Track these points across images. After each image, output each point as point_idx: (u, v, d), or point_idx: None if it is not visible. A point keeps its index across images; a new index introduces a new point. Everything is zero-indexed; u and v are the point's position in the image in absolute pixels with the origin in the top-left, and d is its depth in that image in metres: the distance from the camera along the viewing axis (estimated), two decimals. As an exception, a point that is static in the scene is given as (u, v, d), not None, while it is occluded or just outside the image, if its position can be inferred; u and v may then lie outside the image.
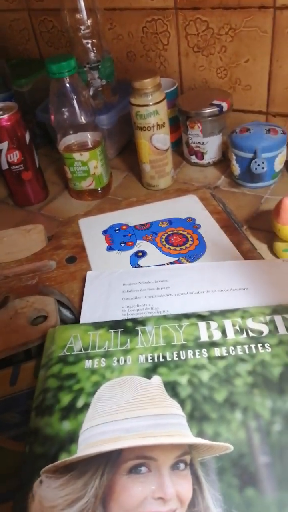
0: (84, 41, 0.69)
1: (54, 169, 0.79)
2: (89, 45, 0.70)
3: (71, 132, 0.66)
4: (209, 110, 0.67)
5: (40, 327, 0.46)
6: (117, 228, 0.57)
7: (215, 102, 0.67)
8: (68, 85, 0.60)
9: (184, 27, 0.72)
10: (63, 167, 0.68)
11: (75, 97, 0.61)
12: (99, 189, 0.69)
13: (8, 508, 0.32)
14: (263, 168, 0.61)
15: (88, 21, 0.67)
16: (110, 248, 0.54)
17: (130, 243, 0.55)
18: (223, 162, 0.73)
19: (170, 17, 0.72)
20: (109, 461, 0.30)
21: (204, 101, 0.68)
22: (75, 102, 0.61)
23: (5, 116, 0.61)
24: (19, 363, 0.44)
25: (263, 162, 0.61)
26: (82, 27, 0.68)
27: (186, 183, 0.70)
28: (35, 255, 0.54)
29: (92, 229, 0.58)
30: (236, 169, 0.65)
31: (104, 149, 0.67)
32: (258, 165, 0.61)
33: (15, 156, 0.65)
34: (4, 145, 0.63)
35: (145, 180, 0.70)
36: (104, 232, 0.57)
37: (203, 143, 0.70)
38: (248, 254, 0.51)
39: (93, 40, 0.69)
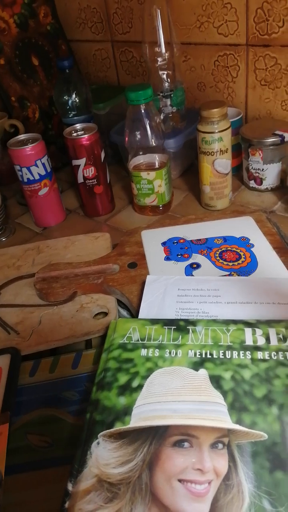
0: (160, 72, 0.76)
1: (121, 185, 0.86)
2: (164, 76, 0.77)
3: (140, 153, 0.72)
4: (271, 139, 0.71)
5: (102, 321, 0.52)
6: (175, 241, 0.63)
7: (277, 132, 0.72)
8: (143, 111, 0.67)
9: (253, 62, 0.78)
10: (129, 184, 0.75)
11: (148, 122, 0.68)
12: (160, 206, 0.75)
13: (64, 469, 0.38)
14: None
15: (166, 54, 0.75)
16: (167, 258, 0.60)
17: (186, 255, 0.60)
18: (280, 189, 0.76)
19: (241, 53, 0.78)
20: (156, 434, 0.35)
21: (266, 131, 0.73)
22: (147, 127, 0.68)
23: (86, 136, 0.69)
24: (81, 351, 0.50)
25: None
26: (160, 59, 0.75)
27: (243, 206, 0.74)
28: (102, 259, 0.61)
29: (153, 240, 0.63)
30: (294, 196, 0.69)
31: (169, 170, 0.73)
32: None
33: (91, 171, 0.72)
34: (82, 161, 0.71)
35: (204, 200, 0.75)
36: (163, 243, 0.63)
37: (263, 169, 0.75)
38: (297, 274, 0.54)
39: (168, 72, 0.77)
